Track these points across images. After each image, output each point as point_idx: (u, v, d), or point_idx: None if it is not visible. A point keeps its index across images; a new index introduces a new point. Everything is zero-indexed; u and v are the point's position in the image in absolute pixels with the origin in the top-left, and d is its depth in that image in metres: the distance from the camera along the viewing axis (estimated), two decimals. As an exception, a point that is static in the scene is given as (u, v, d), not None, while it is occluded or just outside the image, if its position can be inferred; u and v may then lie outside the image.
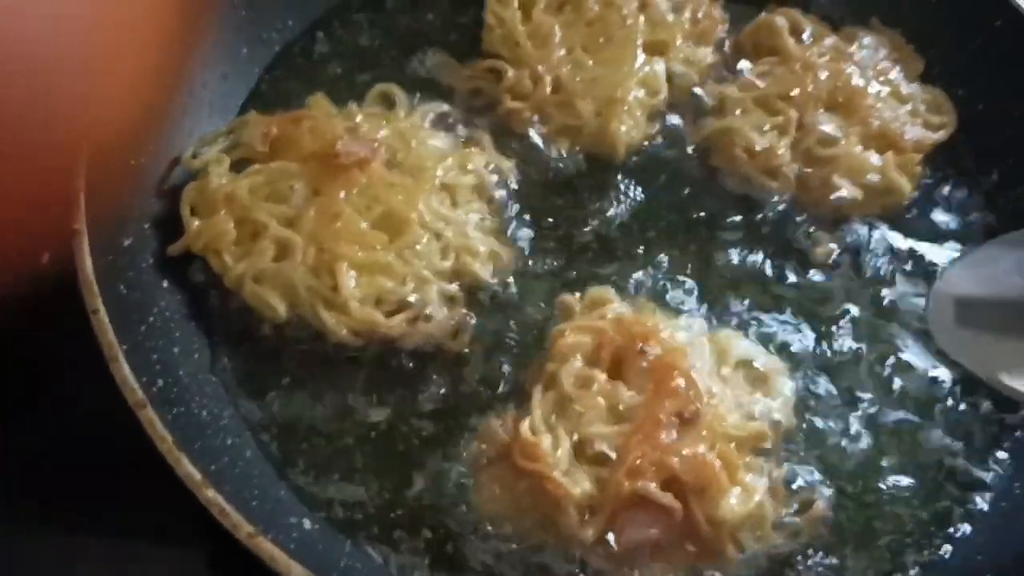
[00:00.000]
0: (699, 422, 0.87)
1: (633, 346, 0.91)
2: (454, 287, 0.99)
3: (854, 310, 1.05)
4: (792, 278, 1.07)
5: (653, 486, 0.84)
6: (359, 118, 1.05)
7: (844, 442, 0.96)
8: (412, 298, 0.96)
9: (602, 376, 0.90)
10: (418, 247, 0.97)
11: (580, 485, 0.85)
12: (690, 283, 1.05)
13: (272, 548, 0.72)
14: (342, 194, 0.97)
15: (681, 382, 0.88)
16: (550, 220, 1.08)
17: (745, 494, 0.86)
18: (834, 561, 0.90)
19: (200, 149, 1.03)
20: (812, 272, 1.08)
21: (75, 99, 0.91)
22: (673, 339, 0.92)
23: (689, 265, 1.06)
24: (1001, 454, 0.98)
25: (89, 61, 0.88)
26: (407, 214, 0.98)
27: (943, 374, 1.01)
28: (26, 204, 0.95)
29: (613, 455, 0.86)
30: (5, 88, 0.79)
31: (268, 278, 0.95)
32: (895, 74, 1.17)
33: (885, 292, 1.07)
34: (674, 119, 1.16)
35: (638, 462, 0.84)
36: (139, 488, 0.90)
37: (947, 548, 0.92)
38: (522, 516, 0.88)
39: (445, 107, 1.12)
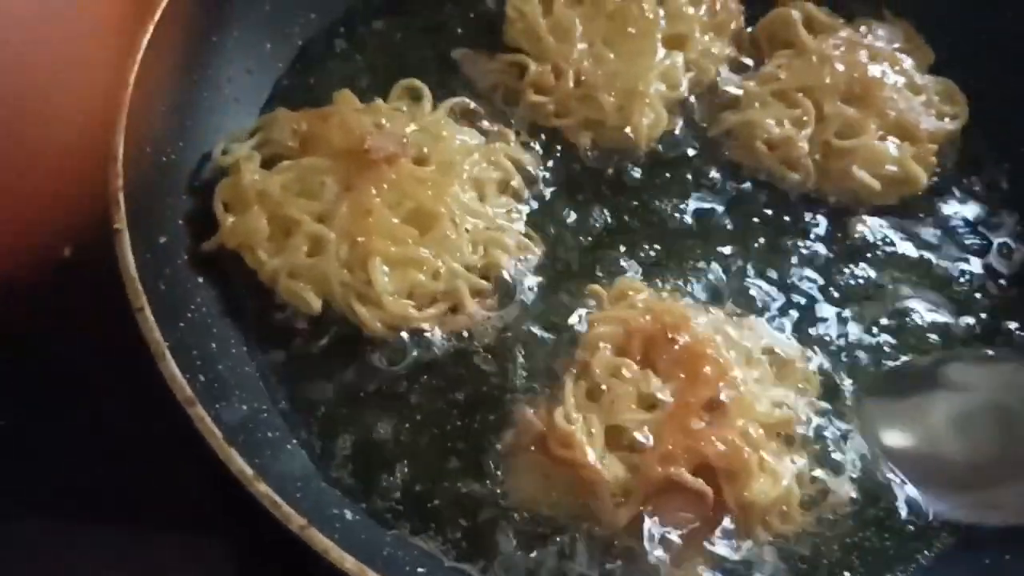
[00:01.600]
0: (729, 409, 0.89)
1: (663, 335, 0.93)
2: (483, 281, 1.01)
3: (876, 298, 1.08)
4: (815, 267, 1.09)
5: (685, 471, 0.86)
6: (384, 114, 1.07)
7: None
8: (443, 291, 0.98)
9: (633, 364, 0.92)
10: (448, 241, 0.99)
11: (613, 471, 0.87)
12: (714, 273, 1.07)
13: (325, 540, 0.74)
14: (373, 190, 0.98)
15: (710, 370, 0.90)
16: (575, 213, 1.10)
17: (773, 478, 0.89)
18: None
19: (230, 145, 1.05)
20: (835, 261, 1.10)
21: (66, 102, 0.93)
22: (701, 327, 0.94)
23: (712, 256, 1.09)
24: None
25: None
26: (436, 209, 0.99)
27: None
28: (40, 201, 0.97)
29: (646, 441, 0.88)
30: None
31: (303, 273, 0.97)
32: (908, 65, 1.19)
33: (904, 279, 1.09)
34: (693, 112, 1.17)
35: (670, 448, 0.87)
36: (163, 480, 0.94)
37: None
38: (556, 503, 0.90)
39: (469, 102, 1.13)
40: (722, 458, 0.87)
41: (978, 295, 1.10)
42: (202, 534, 0.94)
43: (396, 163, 1.00)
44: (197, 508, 0.95)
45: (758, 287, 1.07)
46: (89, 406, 0.98)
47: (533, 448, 0.91)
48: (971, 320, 1.08)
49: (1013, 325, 1.07)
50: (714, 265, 1.08)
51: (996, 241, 1.14)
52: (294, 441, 0.93)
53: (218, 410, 0.84)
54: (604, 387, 0.91)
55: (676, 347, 0.92)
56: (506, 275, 1.02)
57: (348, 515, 0.88)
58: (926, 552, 0.93)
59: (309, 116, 1.05)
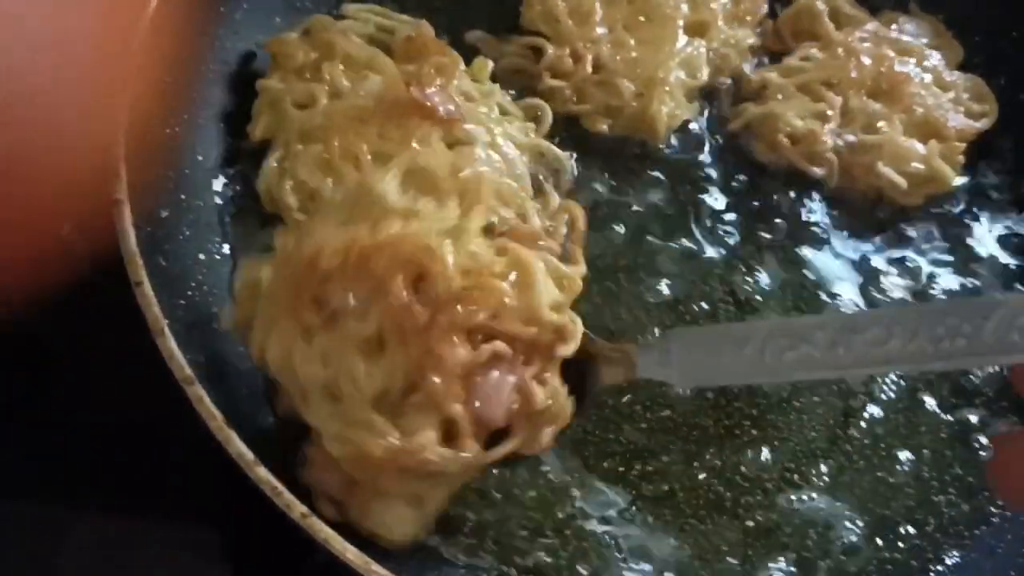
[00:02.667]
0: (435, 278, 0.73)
1: (309, 275, 0.75)
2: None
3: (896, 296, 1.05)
4: (828, 264, 1.06)
5: (463, 353, 0.72)
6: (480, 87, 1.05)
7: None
8: None
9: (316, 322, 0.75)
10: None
11: (422, 433, 0.72)
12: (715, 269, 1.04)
13: (326, 529, 0.70)
14: (387, 118, 0.95)
15: (386, 264, 0.73)
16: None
17: (543, 279, 0.76)
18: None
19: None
20: (847, 260, 1.07)
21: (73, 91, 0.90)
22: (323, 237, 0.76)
23: (727, 252, 1.05)
24: None
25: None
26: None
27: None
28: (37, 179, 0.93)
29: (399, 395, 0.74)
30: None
31: (276, 103, 1.00)
32: (936, 61, 1.16)
33: (921, 284, 1.06)
34: (714, 102, 1.14)
35: (435, 363, 0.71)
36: (157, 465, 0.91)
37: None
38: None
39: (540, 104, 1.09)
40: (483, 315, 0.73)
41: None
42: (194, 522, 0.92)
43: (427, 120, 0.95)
44: (191, 495, 0.92)
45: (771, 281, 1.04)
46: (83, 389, 0.96)
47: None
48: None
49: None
50: (723, 258, 1.05)
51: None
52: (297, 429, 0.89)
53: (218, 392, 0.80)
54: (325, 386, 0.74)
55: (329, 275, 0.74)
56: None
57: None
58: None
59: (436, 42, 1.04)
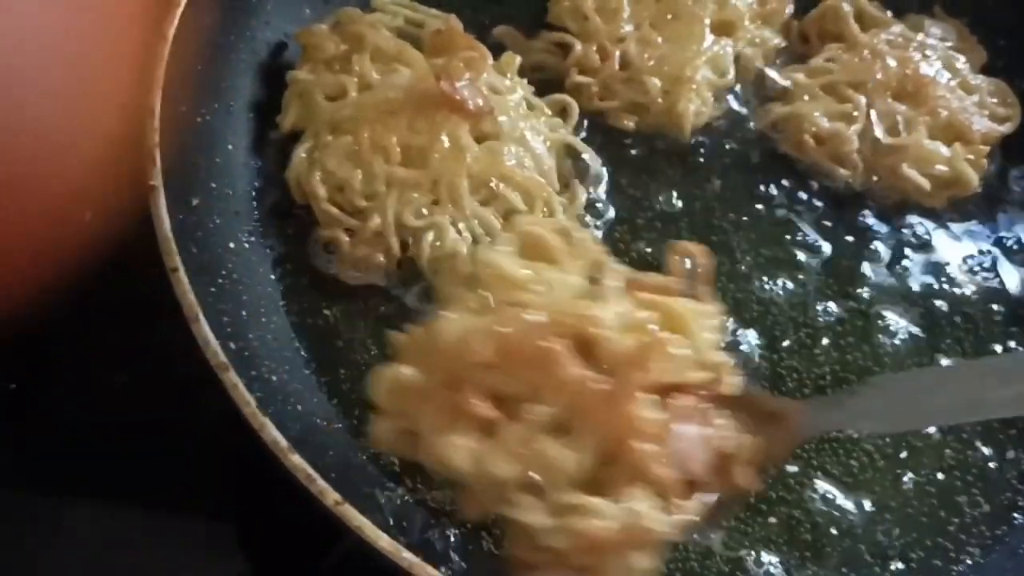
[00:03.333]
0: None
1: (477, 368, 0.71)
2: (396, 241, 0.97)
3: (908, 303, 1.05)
4: (852, 265, 1.07)
5: (659, 414, 0.71)
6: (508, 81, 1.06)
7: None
8: (365, 210, 0.96)
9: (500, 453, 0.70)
10: (405, 194, 0.96)
11: (641, 504, 0.70)
12: (739, 267, 1.04)
13: (359, 516, 0.71)
14: (415, 111, 0.97)
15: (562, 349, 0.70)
16: (607, 203, 1.07)
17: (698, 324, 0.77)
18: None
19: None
20: (870, 262, 1.07)
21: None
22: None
23: (742, 248, 1.06)
24: None
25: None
26: (433, 167, 0.95)
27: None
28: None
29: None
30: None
31: (308, 93, 1.01)
32: (961, 64, 1.16)
33: (945, 286, 1.07)
34: (740, 101, 1.15)
35: (640, 436, 0.70)
36: (175, 459, 0.92)
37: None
38: None
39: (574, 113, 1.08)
40: (663, 372, 0.72)
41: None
42: (208, 516, 0.92)
43: (456, 114, 0.96)
44: (207, 490, 0.93)
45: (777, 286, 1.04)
46: (101, 379, 0.96)
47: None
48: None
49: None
50: (740, 258, 1.05)
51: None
52: (328, 416, 0.89)
53: (249, 379, 0.80)
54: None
55: (490, 365, 0.71)
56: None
57: (381, 498, 0.85)
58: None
59: (467, 38, 1.04)
